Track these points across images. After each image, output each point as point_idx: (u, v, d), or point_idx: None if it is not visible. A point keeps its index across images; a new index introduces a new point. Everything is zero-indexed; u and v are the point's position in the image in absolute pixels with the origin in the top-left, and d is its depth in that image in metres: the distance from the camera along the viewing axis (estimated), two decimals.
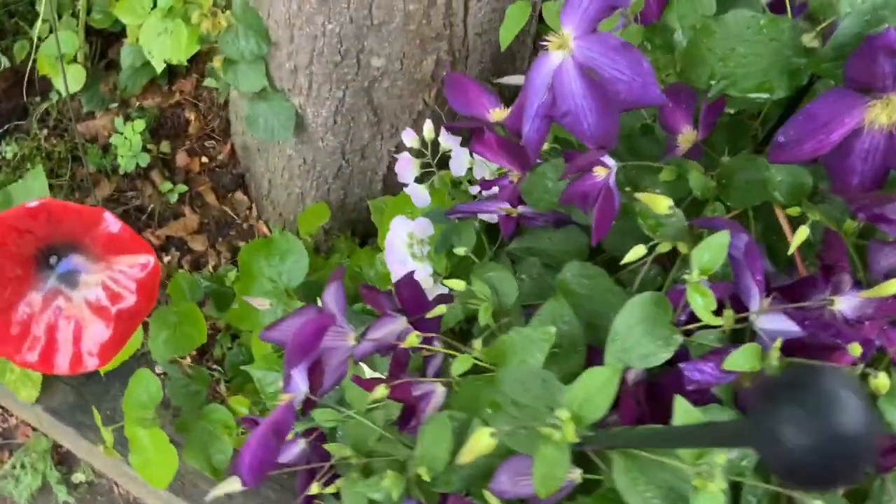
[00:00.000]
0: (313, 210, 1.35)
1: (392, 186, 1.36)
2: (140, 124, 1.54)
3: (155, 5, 1.34)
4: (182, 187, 1.57)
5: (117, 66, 1.58)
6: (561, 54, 0.56)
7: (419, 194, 0.86)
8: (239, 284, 1.21)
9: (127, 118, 1.59)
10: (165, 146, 1.61)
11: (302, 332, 0.52)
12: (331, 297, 0.57)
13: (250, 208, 1.60)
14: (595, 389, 0.45)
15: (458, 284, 0.61)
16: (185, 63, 1.34)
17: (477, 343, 0.56)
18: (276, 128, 1.24)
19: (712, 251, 0.50)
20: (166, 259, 1.54)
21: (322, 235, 1.47)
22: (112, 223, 0.97)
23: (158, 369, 1.49)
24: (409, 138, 0.85)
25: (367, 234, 1.48)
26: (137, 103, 1.63)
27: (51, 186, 1.55)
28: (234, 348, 1.39)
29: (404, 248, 0.81)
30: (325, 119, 1.22)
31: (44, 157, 1.56)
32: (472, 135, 0.75)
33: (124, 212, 1.57)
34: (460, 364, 0.54)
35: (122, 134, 1.55)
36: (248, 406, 1.21)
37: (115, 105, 1.63)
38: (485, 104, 0.78)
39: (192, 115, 1.64)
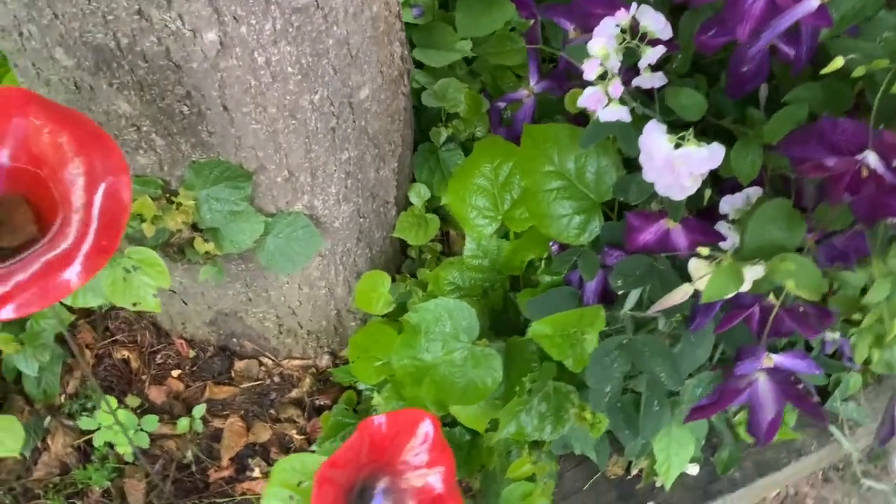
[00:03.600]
0: (367, 283, 1.19)
1: (402, 202, 1.23)
2: (112, 400, 1.25)
3: None
4: (198, 410, 1.32)
5: (10, 382, 1.27)
6: None
7: (621, 111, 0.79)
8: (424, 391, 1.07)
9: (70, 417, 1.29)
10: (133, 400, 1.33)
11: None
12: None
13: (261, 364, 1.39)
14: None
15: None
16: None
17: None
18: (300, 249, 1.06)
19: None
20: (266, 470, 1.31)
21: None
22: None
23: None
24: (592, 69, 0.76)
25: (398, 267, 1.35)
26: (63, 395, 1.32)
27: None
28: None
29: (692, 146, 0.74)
30: (335, 196, 1.06)
31: None
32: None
33: (175, 482, 1.30)
34: None
35: (103, 427, 1.25)
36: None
37: (49, 420, 1.30)
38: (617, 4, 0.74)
39: (122, 353, 1.36)
